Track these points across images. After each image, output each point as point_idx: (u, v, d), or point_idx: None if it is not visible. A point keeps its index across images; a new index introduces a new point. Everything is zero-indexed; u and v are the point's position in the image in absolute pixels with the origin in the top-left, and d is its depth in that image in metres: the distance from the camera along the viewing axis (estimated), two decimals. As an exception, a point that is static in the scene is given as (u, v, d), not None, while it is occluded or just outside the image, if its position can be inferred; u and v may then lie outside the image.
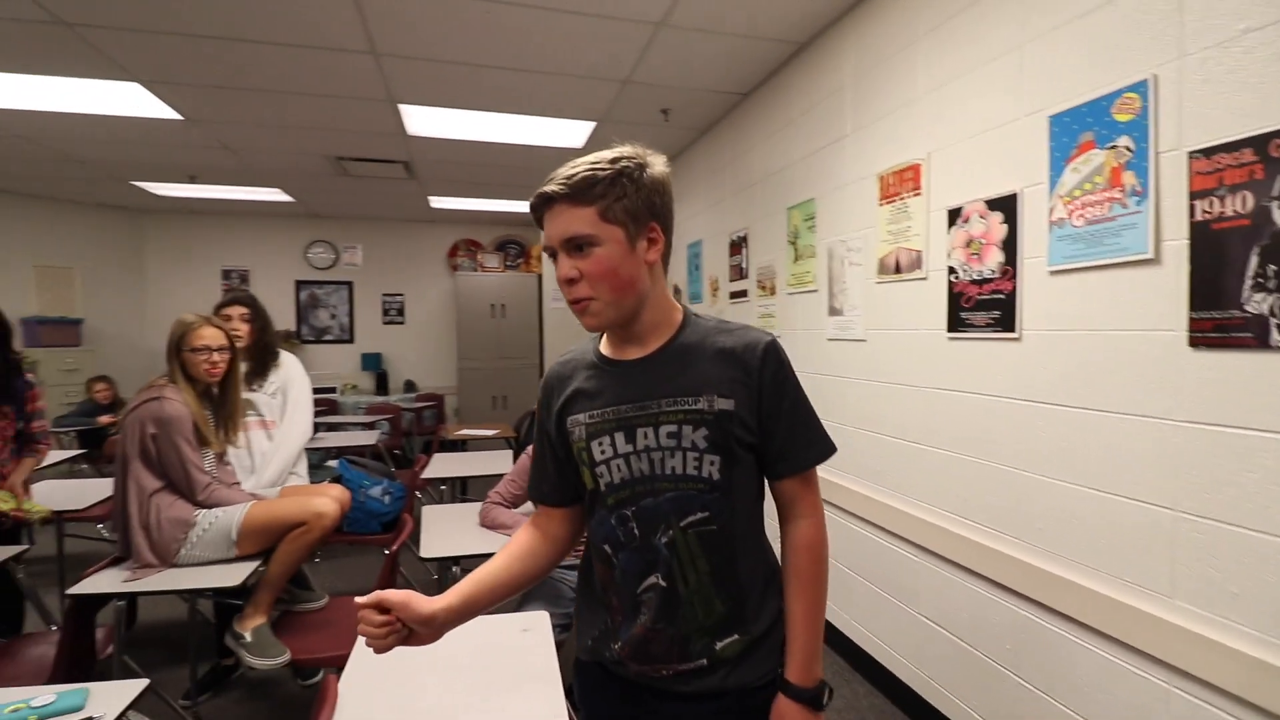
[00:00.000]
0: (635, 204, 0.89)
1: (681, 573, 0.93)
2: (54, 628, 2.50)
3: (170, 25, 2.66)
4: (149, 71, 3.13)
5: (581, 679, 1.05)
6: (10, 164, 4.84)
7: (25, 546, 2.32)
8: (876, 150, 2.42)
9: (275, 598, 2.14)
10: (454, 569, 2.21)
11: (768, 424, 0.95)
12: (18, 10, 2.49)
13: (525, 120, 3.91)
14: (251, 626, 2.06)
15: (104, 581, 1.91)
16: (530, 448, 2.42)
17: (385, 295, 7.46)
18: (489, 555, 2.16)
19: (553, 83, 3.30)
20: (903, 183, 2.27)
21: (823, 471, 2.81)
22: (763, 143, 3.34)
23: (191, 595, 2.17)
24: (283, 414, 2.56)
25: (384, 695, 1.26)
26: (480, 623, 1.61)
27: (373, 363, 7.34)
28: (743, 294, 3.63)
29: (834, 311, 2.73)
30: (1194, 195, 1.36)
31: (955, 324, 2.05)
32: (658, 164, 0.93)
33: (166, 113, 3.67)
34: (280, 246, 7.18)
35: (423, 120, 3.88)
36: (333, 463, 3.40)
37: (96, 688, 1.30)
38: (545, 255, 0.98)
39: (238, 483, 2.26)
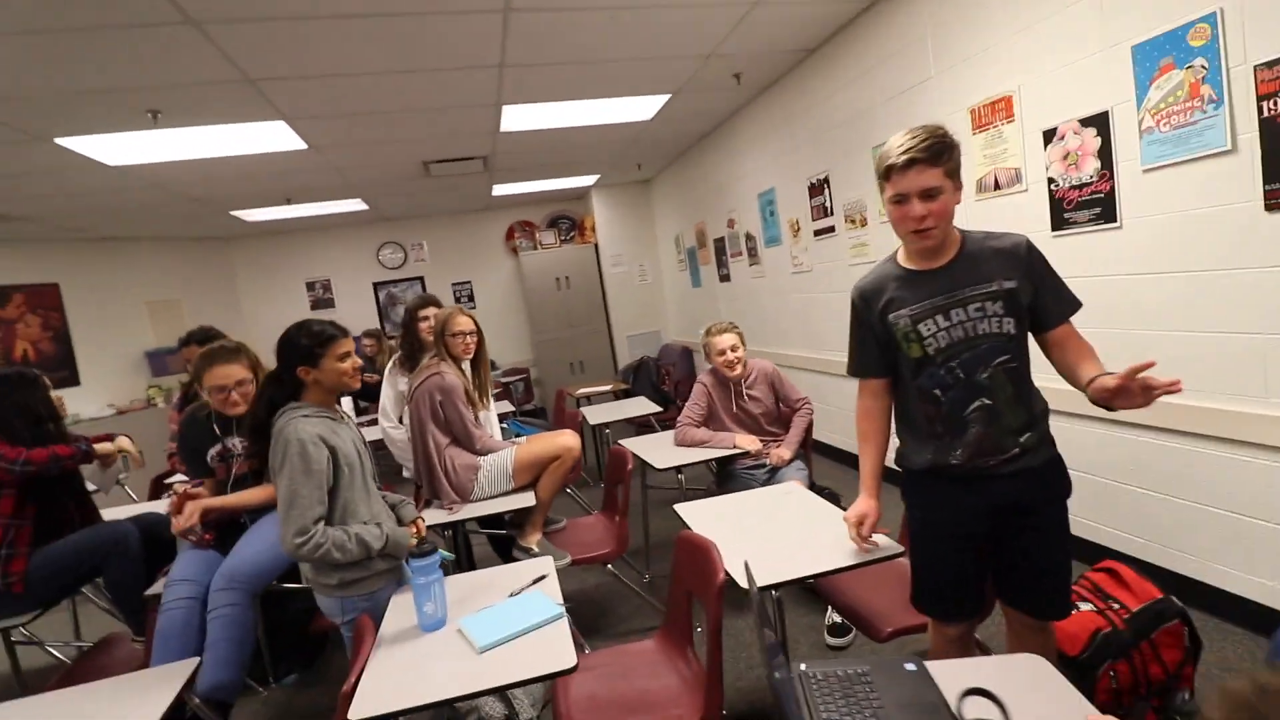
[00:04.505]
0: (956, 164, 1.41)
1: (998, 394, 1.45)
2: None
3: (320, 69, 3.05)
4: (295, 109, 3.57)
5: (913, 481, 1.59)
6: (128, 213, 5.32)
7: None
8: (964, 87, 2.87)
9: (545, 517, 2.73)
10: (679, 475, 2.84)
11: (1039, 291, 1.45)
12: (217, 73, 2.92)
13: (603, 101, 4.30)
14: (534, 540, 2.66)
15: (432, 516, 2.49)
16: (700, 378, 3.00)
17: (455, 284, 7.97)
18: (700, 463, 2.78)
19: (644, 66, 3.71)
20: (994, 113, 2.72)
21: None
22: (838, 92, 3.76)
23: (490, 521, 2.81)
24: None
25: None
26: (753, 494, 2.20)
27: (453, 348, 7.90)
28: (829, 230, 4.10)
29: (932, 231, 3.20)
30: (1261, 98, 1.84)
31: (1059, 224, 2.53)
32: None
33: (298, 144, 4.13)
34: (354, 253, 7.68)
35: (516, 117, 4.30)
36: (505, 425, 3.97)
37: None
38: (891, 203, 1.42)
39: (492, 435, 2.83)
